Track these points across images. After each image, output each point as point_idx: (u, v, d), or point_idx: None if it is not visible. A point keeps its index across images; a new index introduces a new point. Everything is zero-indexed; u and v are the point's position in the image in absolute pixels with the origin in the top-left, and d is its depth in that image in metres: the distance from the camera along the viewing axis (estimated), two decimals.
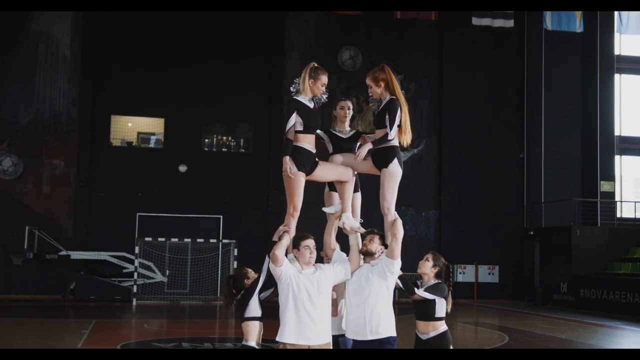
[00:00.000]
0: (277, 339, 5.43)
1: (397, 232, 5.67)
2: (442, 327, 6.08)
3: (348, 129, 6.42)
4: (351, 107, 6.47)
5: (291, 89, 6.02)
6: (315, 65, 5.98)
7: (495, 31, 26.06)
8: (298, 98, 5.88)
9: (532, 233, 25.16)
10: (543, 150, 25.88)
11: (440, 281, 6.17)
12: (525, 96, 26.20)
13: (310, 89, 5.90)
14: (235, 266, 21.85)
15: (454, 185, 25.53)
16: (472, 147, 25.77)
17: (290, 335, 5.37)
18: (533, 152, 25.92)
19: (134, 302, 21.35)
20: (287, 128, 5.78)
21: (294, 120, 5.78)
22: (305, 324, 5.37)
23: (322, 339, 5.45)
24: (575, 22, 26.16)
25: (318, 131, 6.14)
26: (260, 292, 5.68)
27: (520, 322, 18.08)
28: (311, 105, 5.91)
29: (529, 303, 23.96)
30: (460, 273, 24.78)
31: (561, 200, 24.59)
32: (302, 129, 5.82)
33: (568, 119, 26.37)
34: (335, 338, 5.70)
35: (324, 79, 5.94)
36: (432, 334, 6.01)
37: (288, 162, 5.73)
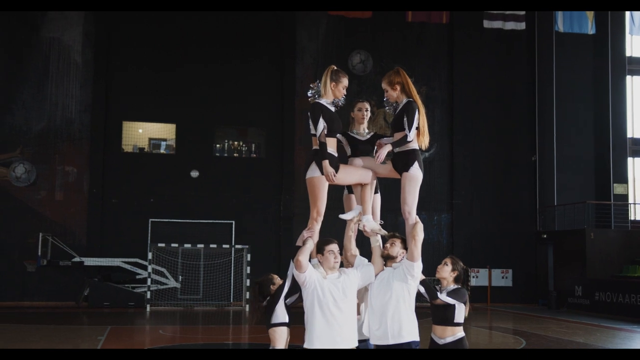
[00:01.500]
0: (305, 345, 5.38)
1: (416, 234, 5.64)
2: (460, 332, 6.03)
3: (366, 131, 6.36)
4: (369, 109, 6.39)
5: (309, 93, 5.96)
6: (335, 68, 5.93)
7: (506, 34, 25.99)
8: (321, 101, 5.85)
9: (545, 236, 25.03)
10: (555, 152, 25.76)
11: (460, 286, 6.12)
12: (537, 98, 26.11)
13: (332, 92, 5.86)
14: (248, 271, 21.85)
15: (466, 189, 25.47)
16: (483, 150, 25.70)
17: (317, 341, 5.33)
18: (545, 154, 25.81)
19: (148, 308, 21.37)
20: (319, 132, 5.71)
21: (323, 124, 5.74)
22: (333, 328, 5.34)
23: (349, 343, 5.42)
24: (587, 23, 26.04)
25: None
26: (286, 297, 5.64)
27: (536, 326, 17.96)
28: (332, 108, 5.88)
29: (543, 307, 23.82)
30: (473, 277, 24.67)
31: (574, 203, 24.46)
32: (325, 132, 5.79)
33: (580, 121, 26.25)
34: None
35: (345, 81, 5.90)
36: (450, 339, 5.96)
37: (330, 166, 5.70)
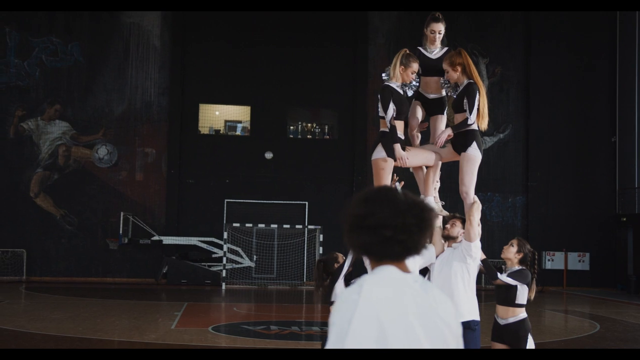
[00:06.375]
0: None
1: (472, 215, 5.63)
2: (522, 314, 6.06)
3: (438, 48, 6.27)
4: (442, 32, 6.27)
5: (383, 75, 6.04)
6: (408, 52, 5.97)
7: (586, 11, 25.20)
8: (390, 84, 5.91)
9: (624, 219, 24.32)
10: (636, 132, 24.91)
11: (524, 268, 6.14)
12: (618, 77, 25.28)
13: (401, 76, 5.92)
14: (320, 252, 22.13)
15: (542, 170, 24.97)
16: (560, 130, 25.11)
17: None
18: (625, 135, 25.02)
19: (223, 286, 21.94)
20: (389, 116, 5.78)
21: (393, 107, 5.79)
22: None
23: None
24: None
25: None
26: (350, 278, 5.74)
27: (613, 310, 17.58)
28: (401, 91, 5.94)
29: (622, 291, 23.24)
30: (548, 260, 24.25)
31: None
32: (394, 115, 5.84)
33: None
34: None
35: (415, 66, 5.91)
36: (511, 319, 6.01)
37: (401, 150, 5.79)
